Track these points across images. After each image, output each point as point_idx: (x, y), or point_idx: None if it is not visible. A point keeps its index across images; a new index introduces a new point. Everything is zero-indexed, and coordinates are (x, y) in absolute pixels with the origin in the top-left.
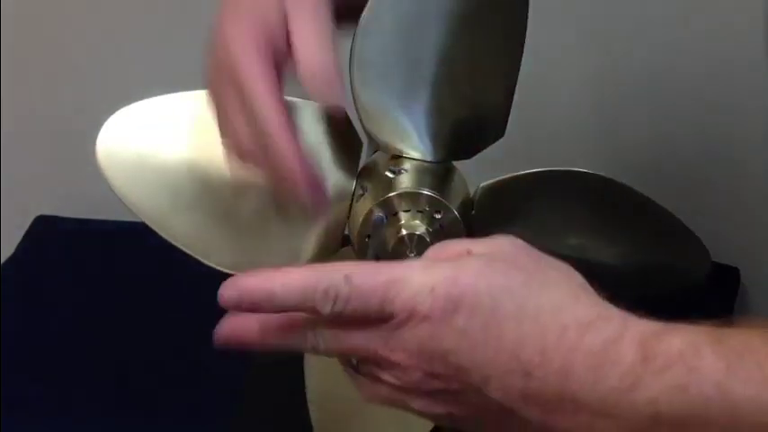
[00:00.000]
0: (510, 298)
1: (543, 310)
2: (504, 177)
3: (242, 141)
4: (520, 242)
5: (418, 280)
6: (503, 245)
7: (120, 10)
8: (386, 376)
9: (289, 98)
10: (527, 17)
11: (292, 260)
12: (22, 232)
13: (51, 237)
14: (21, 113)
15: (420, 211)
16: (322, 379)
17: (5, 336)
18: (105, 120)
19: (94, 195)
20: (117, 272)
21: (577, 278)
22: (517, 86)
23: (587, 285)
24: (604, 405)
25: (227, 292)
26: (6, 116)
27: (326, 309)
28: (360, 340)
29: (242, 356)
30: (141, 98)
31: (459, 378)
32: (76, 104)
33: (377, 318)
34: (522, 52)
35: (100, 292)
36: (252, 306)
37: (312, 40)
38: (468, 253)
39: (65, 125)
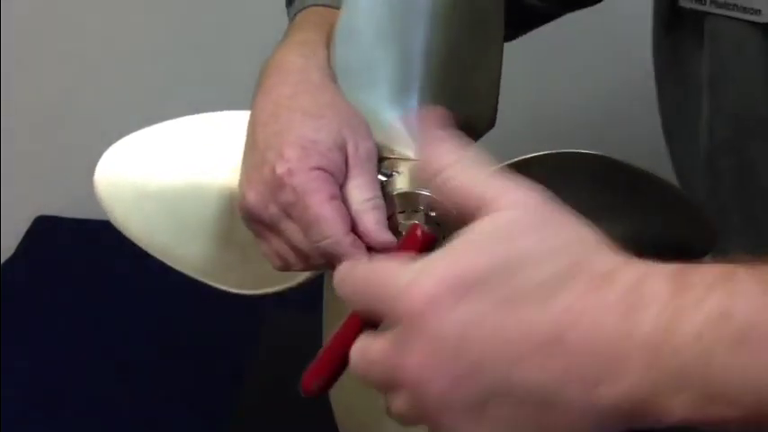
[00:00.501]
0: (521, 265)
1: (560, 269)
2: (499, 165)
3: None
4: (540, 195)
5: (418, 266)
6: (523, 198)
7: (120, 11)
8: (406, 401)
9: None
10: (503, 8)
11: (295, 273)
12: (22, 232)
13: (51, 237)
14: (21, 114)
15: (416, 211)
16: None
17: (5, 335)
18: (105, 120)
19: (94, 195)
20: (117, 272)
21: (591, 234)
22: (514, 83)
23: (603, 240)
24: (648, 354)
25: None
26: (6, 116)
27: (343, 291)
28: (375, 348)
29: (242, 355)
30: (141, 98)
31: (484, 372)
32: (77, 105)
33: (386, 315)
34: (503, 40)
35: (100, 291)
36: None
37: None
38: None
39: (65, 126)
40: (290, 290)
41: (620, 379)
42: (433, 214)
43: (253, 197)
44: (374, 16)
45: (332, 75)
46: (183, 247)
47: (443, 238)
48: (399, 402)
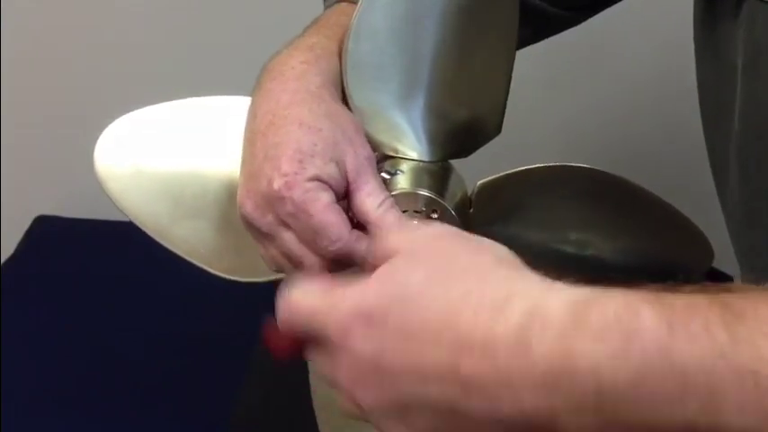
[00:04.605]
0: (419, 295)
1: (452, 299)
2: (501, 174)
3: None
4: (438, 230)
5: (331, 300)
6: (414, 240)
7: (120, 11)
8: (347, 401)
9: None
10: (518, 15)
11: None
12: (22, 232)
13: (51, 237)
14: (21, 114)
15: (417, 212)
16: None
17: (5, 335)
18: (105, 120)
19: (94, 195)
20: (116, 271)
21: (495, 254)
22: (513, 85)
23: (510, 261)
24: (543, 380)
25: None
26: (6, 116)
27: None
28: (317, 358)
29: (241, 354)
30: (141, 98)
31: (398, 388)
32: (76, 105)
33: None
34: (515, 49)
35: (99, 291)
36: None
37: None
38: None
39: (65, 125)
40: None
41: (518, 400)
42: (435, 216)
43: (250, 207)
44: (390, 13)
45: (334, 80)
46: (178, 228)
47: None
48: (343, 402)
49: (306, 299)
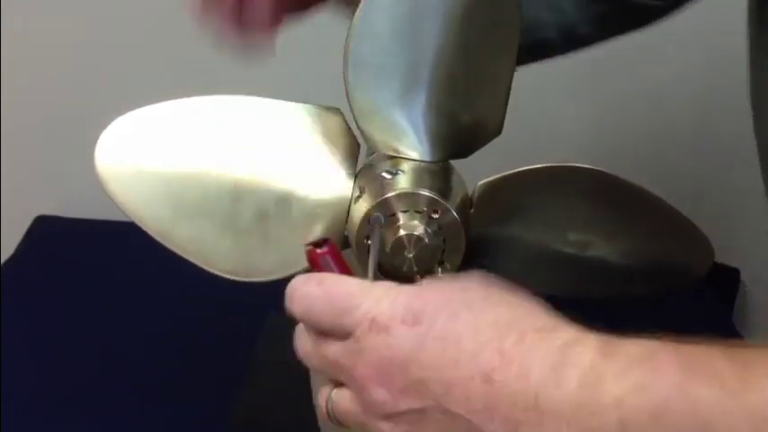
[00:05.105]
0: (468, 309)
1: (501, 320)
2: (502, 175)
3: None
4: (488, 276)
5: (379, 292)
6: (469, 277)
7: (120, 11)
8: (352, 399)
9: (286, 102)
10: (521, 15)
11: (292, 264)
12: (22, 232)
13: (51, 237)
14: (21, 113)
15: (418, 212)
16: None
17: (5, 335)
18: (105, 120)
19: (94, 195)
20: (116, 271)
21: (539, 302)
22: (514, 86)
23: (550, 308)
24: (569, 409)
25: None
26: (6, 116)
27: (297, 308)
28: (330, 349)
29: (241, 354)
30: (141, 98)
31: (421, 392)
32: (76, 105)
33: (342, 330)
34: (517, 50)
35: (99, 291)
36: None
37: None
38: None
39: (65, 125)
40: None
41: (541, 426)
42: (436, 216)
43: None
44: (391, 13)
45: None
46: (179, 228)
47: (444, 241)
48: (343, 398)
49: (346, 282)
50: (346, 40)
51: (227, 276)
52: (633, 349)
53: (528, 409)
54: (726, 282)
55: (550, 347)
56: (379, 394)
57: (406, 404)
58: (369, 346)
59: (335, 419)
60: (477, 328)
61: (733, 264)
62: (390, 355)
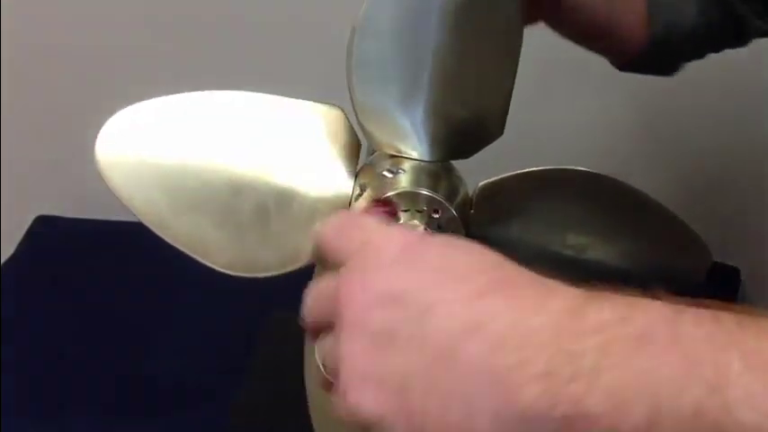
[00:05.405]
0: (456, 248)
1: (482, 285)
2: (502, 176)
3: None
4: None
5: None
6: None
7: (119, 10)
8: (335, 333)
9: (287, 98)
10: (523, 17)
11: (292, 259)
12: (22, 232)
13: (51, 237)
14: (21, 113)
15: (419, 211)
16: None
17: (5, 335)
18: (105, 120)
19: (94, 195)
20: (117, 271)
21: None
22: (517, 87)
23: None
24: (550, 335)
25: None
26: (6, 116)
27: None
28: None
29: (241, 354)
30: (141, 98)
31: (399, 305)
32: (76, 104)
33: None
34: (520, 51)
35: (100, 291)
36: None
37: None
38: None
39: (65, 125)
40: (290, 288)
41: (527, 364)
42: (436, 216)
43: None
44: (394, 12)
45: None
46: (179, 221)
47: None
48: (329, 339)
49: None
50: (350, 38)
51: (226, 271)
52: (615, 295)
53: (516, 346)
54: (726, 281)
55: (533, 289)
56: (356, 302)
57: (378, 315)
58: (359, 264)
59: (332, 374)
60: (469, 262)
61: (733, 263)
62: (376, 263)
